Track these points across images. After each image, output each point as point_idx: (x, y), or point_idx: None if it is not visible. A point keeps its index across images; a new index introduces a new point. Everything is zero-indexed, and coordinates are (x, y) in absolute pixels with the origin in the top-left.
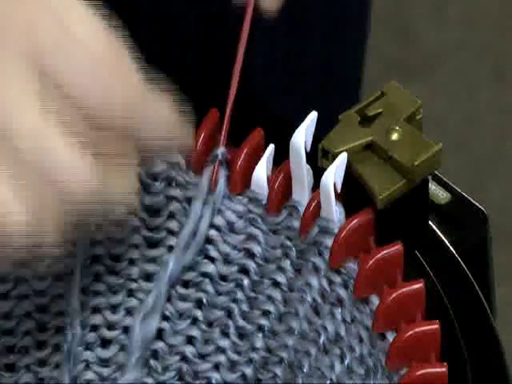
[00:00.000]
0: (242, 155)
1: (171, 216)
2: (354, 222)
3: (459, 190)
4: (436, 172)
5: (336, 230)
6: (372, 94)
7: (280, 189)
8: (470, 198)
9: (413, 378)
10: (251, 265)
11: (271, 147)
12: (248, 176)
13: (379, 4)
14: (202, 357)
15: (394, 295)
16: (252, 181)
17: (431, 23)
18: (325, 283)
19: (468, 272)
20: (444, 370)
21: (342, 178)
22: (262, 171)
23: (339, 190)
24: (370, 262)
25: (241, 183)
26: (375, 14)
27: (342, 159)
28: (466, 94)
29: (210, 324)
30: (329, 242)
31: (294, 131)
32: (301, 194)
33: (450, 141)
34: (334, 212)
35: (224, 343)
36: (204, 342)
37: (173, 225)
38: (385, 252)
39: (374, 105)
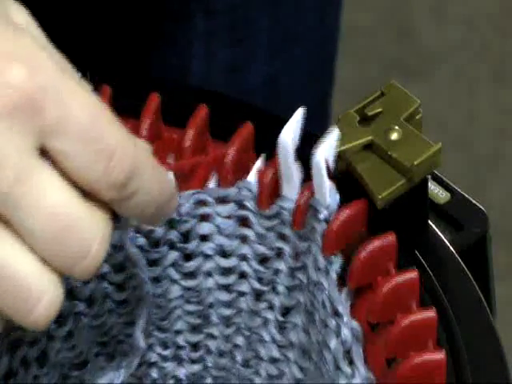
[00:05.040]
0: (232, 149)
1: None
2: (348, 211)
3: (459, 190)
4: (436, 172)
5: (328, 213)
6: (372, 93)
7: (271, 184)
8: (470, 198)
9: (411, 366)
10: (248, 268)
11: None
12: (238, 171)
13: (379, 4)
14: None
15: (388, 286)
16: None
17: (431, 23)
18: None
19: (468, 272)
20: (442, 356)
21: (333, 156)
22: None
23: (331, 167)
24: (364, 254)
25: (232, 176)
26: (375, 13)
27: (334, 136)
28: (466, 93)
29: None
30: (323, 227)
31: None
32: (289, 191)
33: (450, 141)
34: (328, 191)
35: None
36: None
37: (172, 235)
38: (378, 243)
39: (374, 104)
